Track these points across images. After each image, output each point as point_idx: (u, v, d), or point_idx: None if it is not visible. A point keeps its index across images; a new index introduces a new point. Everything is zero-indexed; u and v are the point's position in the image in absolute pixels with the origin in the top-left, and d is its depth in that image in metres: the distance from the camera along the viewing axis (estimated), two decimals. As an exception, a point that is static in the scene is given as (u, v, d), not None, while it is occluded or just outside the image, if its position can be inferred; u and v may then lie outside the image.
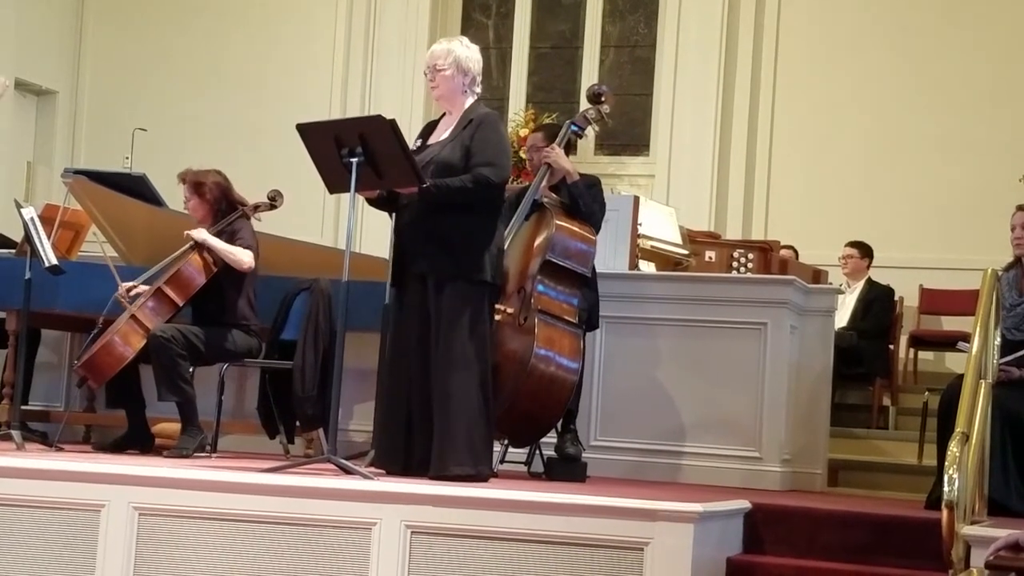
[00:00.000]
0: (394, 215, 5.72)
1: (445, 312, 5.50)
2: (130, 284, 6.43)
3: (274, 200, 6.70)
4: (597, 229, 6.21)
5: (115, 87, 11.94)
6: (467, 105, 5.72)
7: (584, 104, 6.75)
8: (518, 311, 5.96)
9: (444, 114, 5.86)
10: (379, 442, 5.77)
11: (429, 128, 5.88)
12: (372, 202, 5.71)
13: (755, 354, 6.67)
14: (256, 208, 6.67)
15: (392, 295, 5.73)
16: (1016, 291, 5.95)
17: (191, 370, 6.41)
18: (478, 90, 5.79)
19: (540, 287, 6.01)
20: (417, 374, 5.55)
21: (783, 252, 9.06)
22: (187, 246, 6.45)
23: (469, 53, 5.73)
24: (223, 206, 6.59)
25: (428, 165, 5.58)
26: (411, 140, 5.67)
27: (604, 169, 10.72)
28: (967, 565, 4.29)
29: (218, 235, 6.49)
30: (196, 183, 6.59)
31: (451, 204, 5.50)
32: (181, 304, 6.43)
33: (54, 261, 6.39)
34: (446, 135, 5.71)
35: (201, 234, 6.45)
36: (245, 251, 6.47)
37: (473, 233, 5.53)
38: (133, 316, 6.31)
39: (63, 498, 4.96)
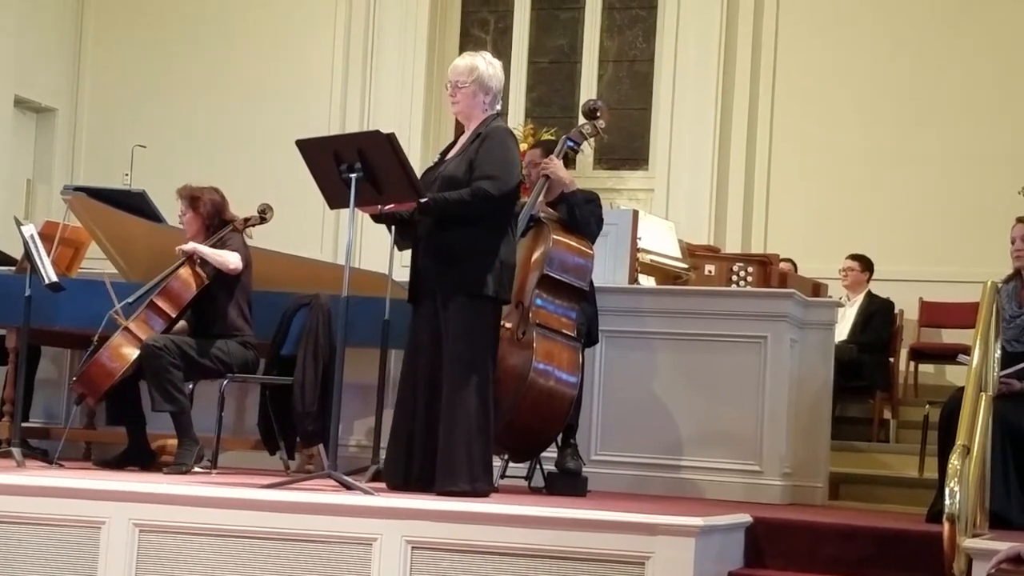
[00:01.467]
0: (395, 229, 5.72)
1: (450, 327, 5.50)
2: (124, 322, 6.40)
3: (264, 214, 6.72)
4: (592, 242, 6.21)
5: (114, 104, 11.95)
6: (482, 120, 5.70)
7: (581, 119, 6.76)
8: (516, 325, 5.95)
9: (463, 131, 5.83)
10: (386, 454, 5.78)
11: (451, 145, 5.87)
12: (375, 216, 5.71)
13: (755, 368, 6.67)
14: (247, 222, 6.68)
15: (409, 311, 5.72)
16: (1016, 303, 5.94)
17: (191, 386, 6.41)
18: (498, 107, 5.77)
19: (538, 301, 6.01)
20: (424, 389, 5.56)
21: (782, 265, 9.07)
22: (179, 261, 6.47)
23: (492, 71, 5.70)
24: (216, 222, 6.64)
25: (436, 180, 5.59)
26: (411, 154, 5.65)
27: (603, 183, 10.73)
28: (969, 578, 4.29)
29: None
30: (192, 197, 6.64)
31: (454, 218, 5.50)
32: (174, 316, 6.44)
33: (54, 278, 6.38)
34: (456, 150, 5.71)
35: (190, 245, 6.48)
36: (232, 253, 6.50)
37: (475, 247, 5.51)
38: (126, 329, 6.32)
39: (63, 515, 4.95)
